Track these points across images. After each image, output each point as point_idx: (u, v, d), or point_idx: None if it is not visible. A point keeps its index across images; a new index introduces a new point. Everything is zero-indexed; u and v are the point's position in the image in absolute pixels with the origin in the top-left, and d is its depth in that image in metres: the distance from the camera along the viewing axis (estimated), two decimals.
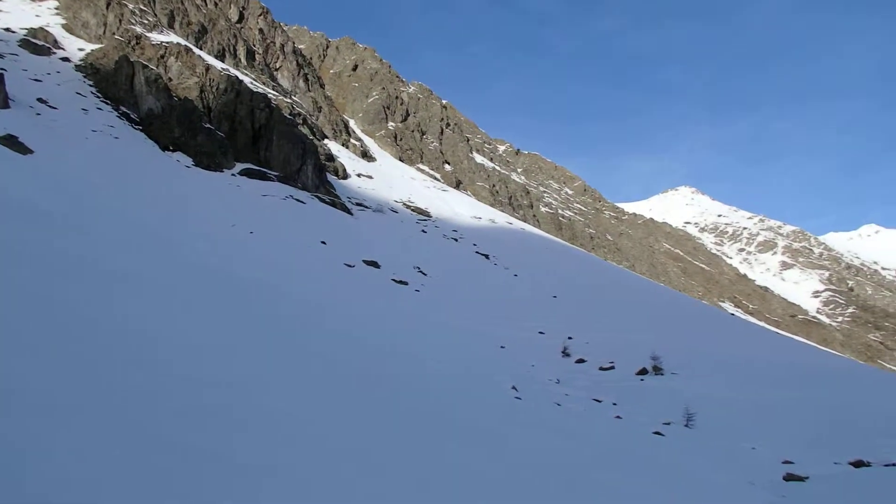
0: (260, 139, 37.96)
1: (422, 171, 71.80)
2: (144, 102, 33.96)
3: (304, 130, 46.59)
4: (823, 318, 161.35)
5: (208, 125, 35.20)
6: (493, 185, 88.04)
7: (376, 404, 6.15)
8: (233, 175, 33.52)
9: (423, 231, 41.18)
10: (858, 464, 11.49)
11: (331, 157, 49.35)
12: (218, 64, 40.42)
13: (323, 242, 24.97)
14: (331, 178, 44.56)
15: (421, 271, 28.49)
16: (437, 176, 74.91)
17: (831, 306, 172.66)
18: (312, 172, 39.18)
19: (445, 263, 33.34)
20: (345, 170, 50.40)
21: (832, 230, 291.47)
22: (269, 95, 43.56)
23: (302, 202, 32.89)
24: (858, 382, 26.41)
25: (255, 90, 40.26)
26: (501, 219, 60.38)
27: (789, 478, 10.33)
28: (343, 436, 4.79)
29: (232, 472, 3.26)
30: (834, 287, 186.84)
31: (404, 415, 6.37)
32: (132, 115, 33.15)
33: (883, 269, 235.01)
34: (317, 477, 3.74)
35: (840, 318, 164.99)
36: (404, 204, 48.61)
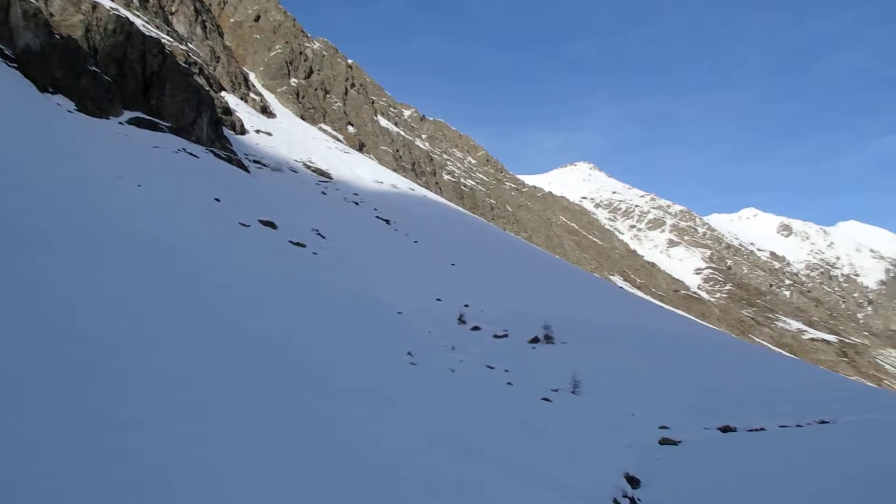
0: (151, 87, 35.77)
1: (324, 131, 70.14)
2: (21, 38, 31.18)
3: (201, 81, 44.34)
4: (703, 294, 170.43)
5: (94, 68, 32.82)
6: (397, 150, 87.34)
7: (261, 367, 5.79)
8: (120, 123, 31.47)
9: (324, 193, 40.27)
10: (726, 429, 12.28)
11: (228, 111, 47.33)
12: (107, 2, 37.63)
13: (217, 200, 23.89)
14: (227, 132, 42.74)
15: (319, 234, 27.84)
16: (340, 137, 73.46)
17: (711, 283, 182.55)
18: (208, 126, 37.39)
19: (345, 227, 32.77)
20: (243, 125, 48.50)
21: (716, 212, 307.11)
22: (163, 41, 41.02)
23: (195, 156, 31.34)
24: (730, 354, 27.99)
25: (147, 34, 37.79)
26: (404, 184, 59.98)
27: (664, 442, 10.89)
28: (226, 397, 4.44)
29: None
30: (714, 265, 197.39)
31: (291, 376, 6.07)
32: (6, 52, 30.41)
33: (759, 250, 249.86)
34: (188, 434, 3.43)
35: (718, 295, 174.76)
36: (304, 164, 47.34)
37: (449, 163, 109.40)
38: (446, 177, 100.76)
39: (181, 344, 5.52)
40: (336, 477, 3.95)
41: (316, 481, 3.74)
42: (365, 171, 56.32)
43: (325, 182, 44.68)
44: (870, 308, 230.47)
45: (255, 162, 40.21)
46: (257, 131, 50.45)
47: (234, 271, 11.36)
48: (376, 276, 25.15)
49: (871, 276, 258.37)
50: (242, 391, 4.77)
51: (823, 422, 12.78)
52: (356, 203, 41.58)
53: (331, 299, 15.42)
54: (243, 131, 47.81)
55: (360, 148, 76.25)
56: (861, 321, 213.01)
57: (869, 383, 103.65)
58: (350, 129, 79.26)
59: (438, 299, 24.71)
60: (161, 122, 34.00)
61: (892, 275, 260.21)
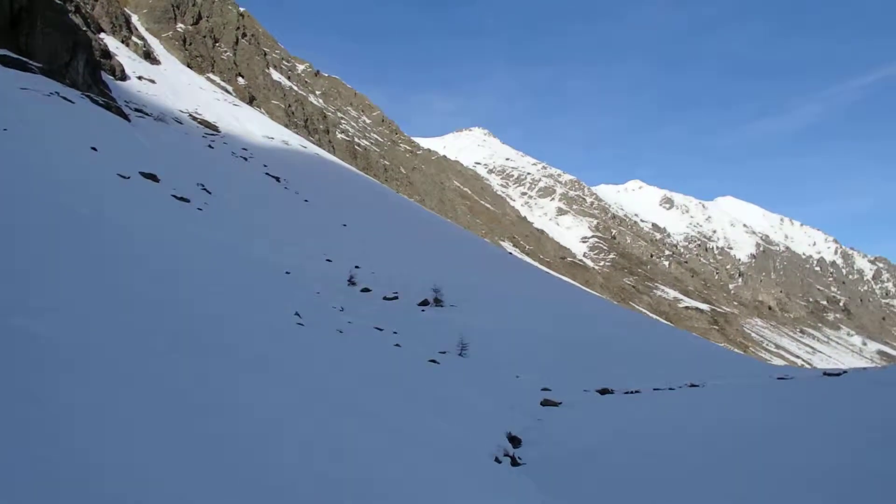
0: (20, 23, 32.92)
1: (212, 81, 67.08)
2: None
3: (77, 20, 41.26)
4: (588, 262, 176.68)
5: None
6: (289, 106, 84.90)
7: (135, 329, 5.45)
8: None
9: (210, 146, 38.64)
10: (604, 391, 12.91)
11: (107, 55, 44.35)
12: None
13: (93, 149, 22.38)
14: (106, 77, 40.05)
15: (205, 189, 26.74)
16: (230, 89, 70.55)
17: (596, 251, 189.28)
18: (84, 69, 34.87)
19: (232, 183, 31.64)
20: (123, 70, 45.64)
21: (603, 182, 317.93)
22: None
23: (70, 101, 29.20)
24: (611, 321, 29.15)
25: None
26: (295, 141, 58.45)
27: (545, 403, 11.31)
28: (97, 363, 4.14)
29: None
30: (600, 234, 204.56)
31: (168, 337, 5.76)
32: None
33: (642, 221, 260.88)
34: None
35: (602, 263, 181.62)
36: (190, 115, 45.15)
37: (343, 121, 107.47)
38: (340, 136, 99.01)
39: (45, 303, 5.10)
40: (213, 440, 3.77)
41: (193, 444, 3.54)
42: (255, 126, 54.43)
43: (213, 135, 42.84)
44: (740, 280, 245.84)
45: (136, 110, 37.98)
46: (139, 78, 47.62)
47: (108, 225, 10.68)
48: (264, 234, 24.50)
49: (743, 250, 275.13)
50: (115, 360, 4.45)
51: (693, 385, 13.57)
52: (245, 158, 40.18)
53: (216, 258, 14.85)
54: (124, 77, 45.00)
55: (251, 101, 73.57)
56: (732, 292, 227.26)
57: (736, 350, 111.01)
58: (240, 80, 76.24)
59: (328, 260, 24.41)
60: (31, 63, 31.43)
61: (761, 249, 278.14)
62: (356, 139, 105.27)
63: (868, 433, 6.94)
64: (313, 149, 61.66)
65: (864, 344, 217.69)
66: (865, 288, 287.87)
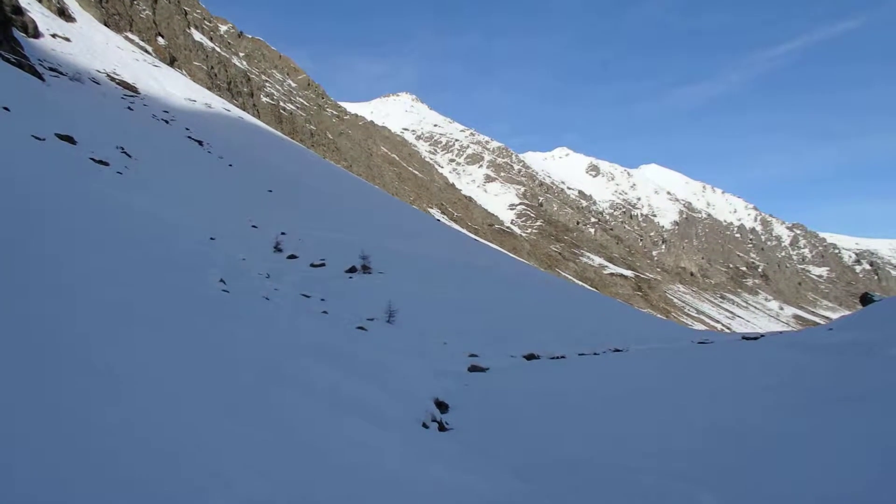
0: None
1: (130, 40, 64.18)
2: None
3: None
4: (516, 229, 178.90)
5: None
6: (212, 68, 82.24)
7: (43, 297, 5.23)
8: None
9: (130, 108, 37.07)
10: (530, 356, 13.20)
11: (19, 10, 41.76)
12: None
13: (5, 108, 21.21)
14: (18, 35, 37.77)
15: (125, 152, 25.70)
16: (149, 49, 67.68)
17: (523, 219, 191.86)
18: None
19: (153, 146, 30.50)
20: (36, 27, 43.12)
21: (531, 150, 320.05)
22: None
23: None
24: (538, 287, 29.70)
25: None
26: (218, 104, 56.73)
27: (473, 369, 11.43)
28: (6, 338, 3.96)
29: None
30: (527, 202, 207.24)
31: (88, 304, 5.56)
32: None
33: (568, 188, 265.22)
34: None
35: (529, 230, 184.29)
36: (108, 75, 43.11)
37: (268, 84, 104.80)
38: (265, 99, 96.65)
39: None
40: (139, 411, 3.68)
41: (108, 421, 3.43)
42: (176, 88, 52.49)
43: (132, 96, 41.09)
44: (663, 246, 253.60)
45: (50, 70, 36.04)
46: (53, 35, 45.11)
47: (21, 187, 10.17)
48: (187, 199, 23.80)
49: (667, 217, 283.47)
50: (25, 330, 4.26)
51: (617, 350, 14.02)
52: (166, 121, 38.76)
53: (135, 222, 14.35)
54: (37, 34, 42.54)
55: (171, 62, 70.83)
56: (655, 258, 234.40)
57: (659, 315, 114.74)
58: (160, 40, 73.22)
59: (254, 226, 23.98)
60: None
61: (684, 216, 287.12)
62: (281, 103, 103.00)
63: (763, 392, 7.49)
64: (237, 112, 60.02)
65: (781, 308, 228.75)
66: (783, 254, 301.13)
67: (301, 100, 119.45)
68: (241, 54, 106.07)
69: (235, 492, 3.28)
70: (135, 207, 16.70)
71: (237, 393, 5.10)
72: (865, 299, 15.87)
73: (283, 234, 22.97)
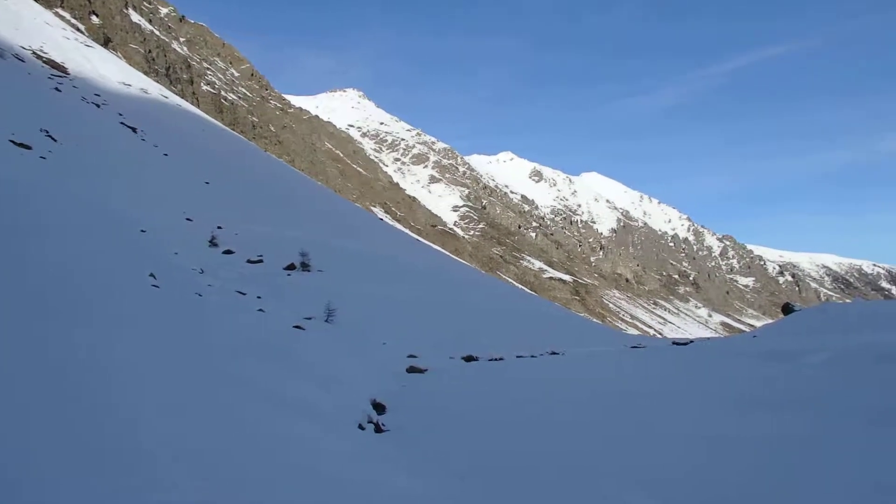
0: None
1: (61, 17, 61.51)
2: None
3: None
4: (459, 231, 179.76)
5: None
6: (150, 52, 79.93)
7: None
8: None
9: (57, 89, 35.48)
10: (469, 358, 13.26)
11: None
12: None
13: None
14: None
15: (50, 136, 24.55)
16: (81, 28, 65.18)
17: (466, 221, 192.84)
18: None
19: (82, 131, 29.28)
20: None
21: (476, 153, 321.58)
22: None
23: None
24: (478, 290, 29.76)
25: None
26: (155, 90, 55.01)
27: (411, 370, 11.34)
28: None
29: None
30: (470, 204, 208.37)
31: (6, 295, 5.14)
32: None
33: (511, 192, 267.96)
34: None
35: (472, 232, 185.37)
36: (34, 53, 41.16)
37: (209, 73, 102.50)
38: (205, 87, 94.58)
39: None
40: (70, 410, 3.38)
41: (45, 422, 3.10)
42: (110, 70, 50.57)
43: (60, 77, 39.32)
44: (601, 253, 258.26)
45: None
46: None
47: None
48: (117, 188, 22.91)
49: (605, 224, 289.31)
50: None
51: (554, 353, 14.14)
52: (97, 105, 37.28)
53: (61, 210, 13.60)
54: None
55: (106, 43, 68.39)
56: (593, 264, 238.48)
57: (595, 320, 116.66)
58: (94, 19, 70.61)
59: (188, 219, 23.26)
60: None
61: (622, 224, 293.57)
62: (223, 92, 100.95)
63: (686, 394, 7.94)
64: (175, 99, 58.34)
65: (710, 316, 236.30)
66: (713, 264, 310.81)
67: (244, 90, 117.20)
68: (182, 39, 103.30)
69: (171, 497, 3.16)
70: (58, 195, 15.88)
71: (168, 392, 4.85)
72: (787, 309, 16.75)
73: (219, 227, 22.29)
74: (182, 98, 68.01)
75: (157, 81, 67.28)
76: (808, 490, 4.65)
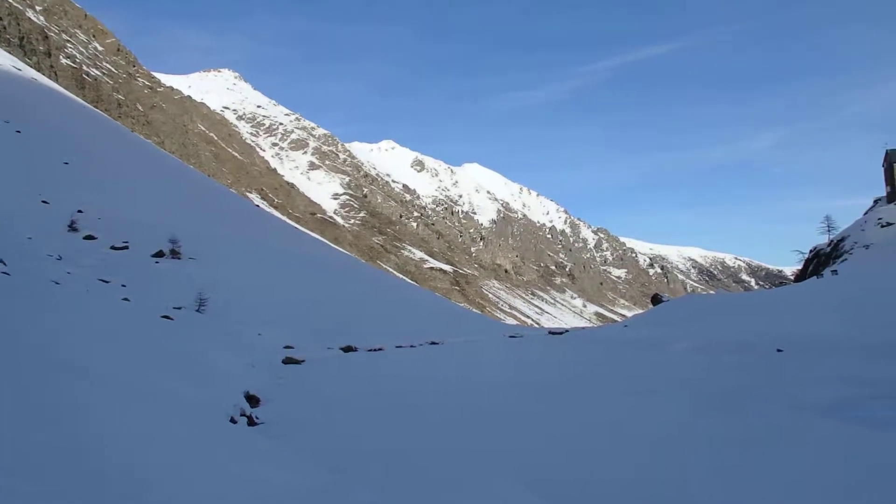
0: None
1: None
2: None
3: None
4: (339, 220, 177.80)
5: None
6: (1, 19, 73.98)
7: None
8: None
9: None
10: (348, 349, 13.32)
11: None
12: None
13: None
14: None
15: None
16: None
17: (347, 209, 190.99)
18: None
19: None
20: None
21: (357, 140, 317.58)
22: None
23: None
24: (357, 279, 29.56)
25: None
26: (7, 61, 50.96)
27: (288, 361, 11.24)
28: None
29: None
30: (351, 192, 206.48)
31: None
32: None
33: (393, 181, 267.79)
34: None
35: (352, 221, 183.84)
36: None
37: (70, 45, 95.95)
38: (65, 61, 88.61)
39: None
40: None
41: None
42: None
43: None
44: (482, 243, 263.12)
45: None
46: None
47: None
48: None
49: (486, 215, 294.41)
50: None
51: (434, 343, 14.27)
52: None
53: None
54: None
55: None
56: (473, 254, 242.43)
57: (474, 309, 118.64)
58: None
59: (45, 201, 21.75)
60: None
61: (502, 215, 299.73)
62: (85, 67, 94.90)
63: (561, 383, 8.39)
64: (30, 73, 54.29)
65: (585, 306, 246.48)
66: (588, 255, 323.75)
67: (108, 66, 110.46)
68: (39, 8, 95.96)
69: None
70: None
71: (17, 387, 4.42)
72: (655, 299, 17.98)
73: (79, 211, 20.95)
74: (38, 71, 63.39)
75: (10, 52, 62.48)
76: (680, 465, 5.25)
